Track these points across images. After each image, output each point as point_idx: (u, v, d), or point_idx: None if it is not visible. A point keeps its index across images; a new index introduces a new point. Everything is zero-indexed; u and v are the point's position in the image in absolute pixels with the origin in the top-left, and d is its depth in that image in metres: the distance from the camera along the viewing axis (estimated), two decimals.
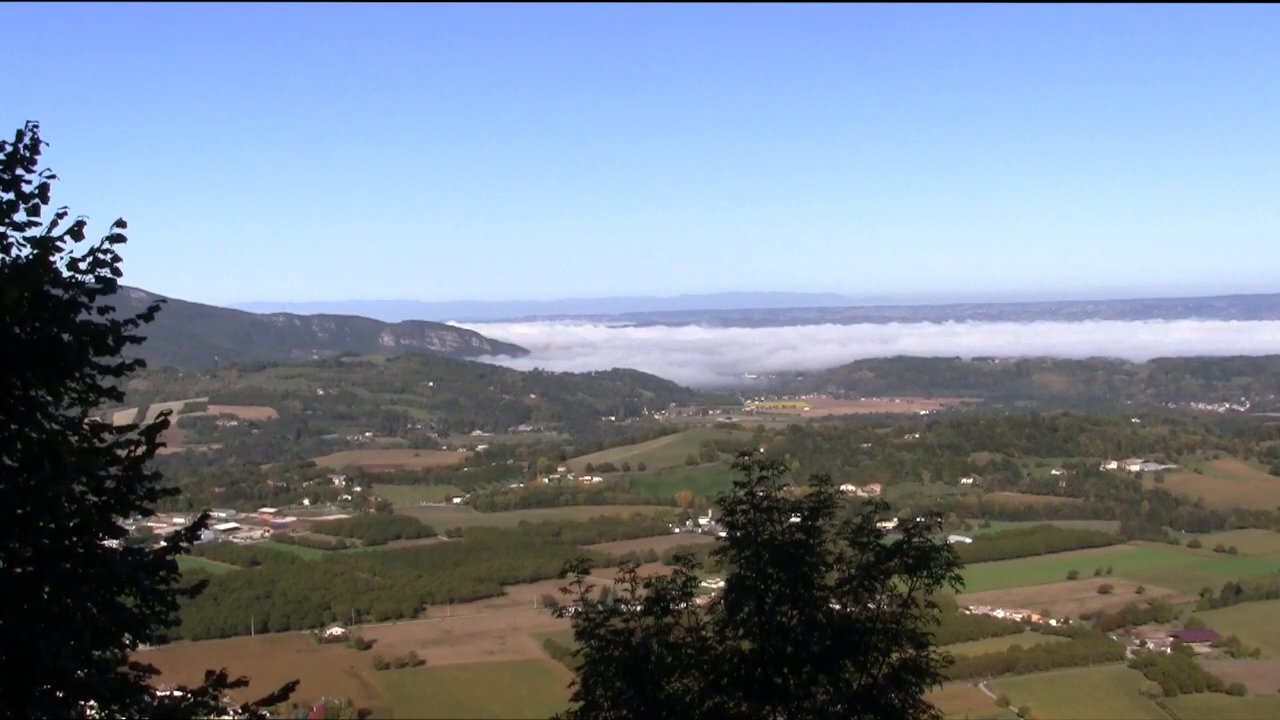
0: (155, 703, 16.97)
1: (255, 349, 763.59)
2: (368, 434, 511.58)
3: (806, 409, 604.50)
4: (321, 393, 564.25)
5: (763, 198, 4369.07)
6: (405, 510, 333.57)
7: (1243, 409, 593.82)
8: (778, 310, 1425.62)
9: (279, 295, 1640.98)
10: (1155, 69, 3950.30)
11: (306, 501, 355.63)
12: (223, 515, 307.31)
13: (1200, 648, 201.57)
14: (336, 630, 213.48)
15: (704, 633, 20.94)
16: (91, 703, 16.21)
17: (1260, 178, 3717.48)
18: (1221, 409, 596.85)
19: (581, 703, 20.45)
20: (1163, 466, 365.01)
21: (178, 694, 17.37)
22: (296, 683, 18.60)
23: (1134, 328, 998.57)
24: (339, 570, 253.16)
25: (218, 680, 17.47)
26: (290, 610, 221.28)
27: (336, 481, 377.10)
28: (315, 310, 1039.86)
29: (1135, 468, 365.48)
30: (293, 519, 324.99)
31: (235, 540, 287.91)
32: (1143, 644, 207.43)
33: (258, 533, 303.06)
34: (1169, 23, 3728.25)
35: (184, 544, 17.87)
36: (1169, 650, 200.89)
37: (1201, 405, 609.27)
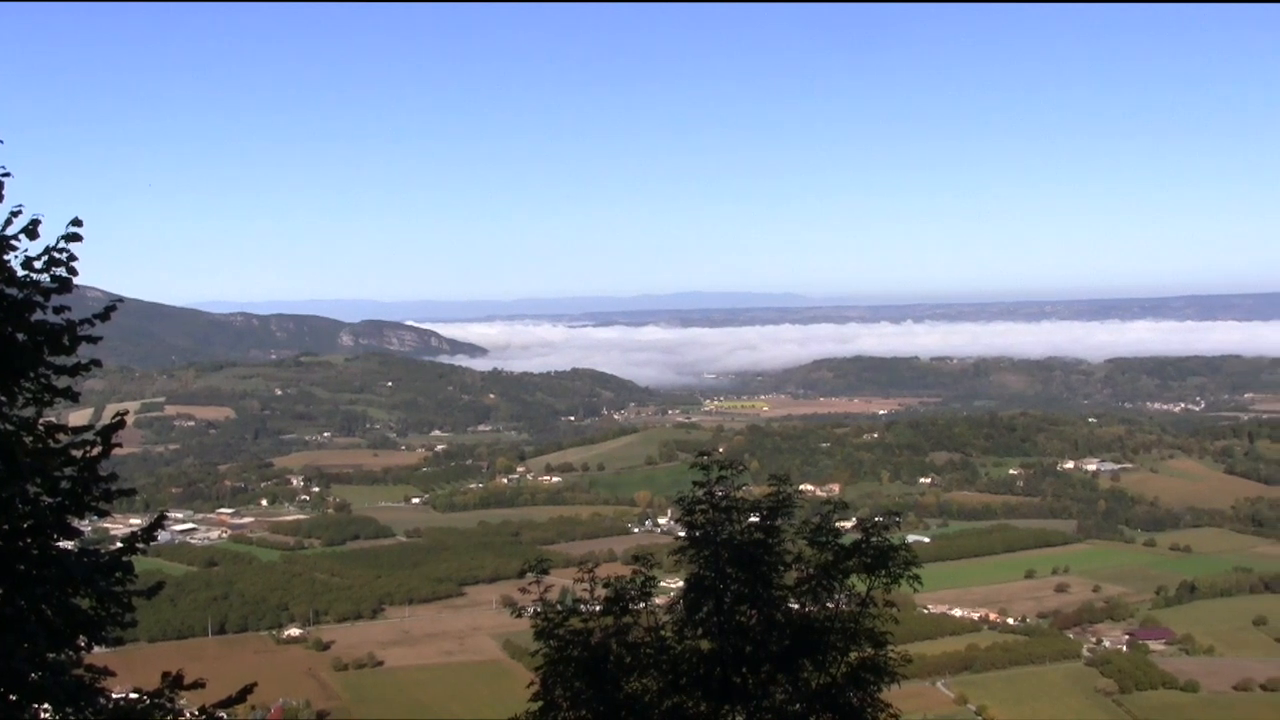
0: (111, 705, 16.88)
1: (213, 349, 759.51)
2: (326, 434, 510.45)
3: (765, 409, 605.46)
4: (280, 393, 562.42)
5: (722, 198, 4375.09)
6: (364, 510, 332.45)
7: (1198, 409, 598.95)
8: (737, 310, 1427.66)
9: (237, 295, 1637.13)
10: (1108, 71, 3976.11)
11: (264, 502, 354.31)
12: (180, 516, 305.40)
13: (1155, 645, 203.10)
14: (295, 631, 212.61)
15: (663, 632, 20.94)
16: (46, 706, 16.11)
17: (1215, 180, 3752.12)
18: (1177, 409, 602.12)
19: (540, 703, 20.44)
20: (1119, 466, 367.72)
21: (134, 696, 17.30)
22: (254, 684, 18.58)
23: (1091, 328, 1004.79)
24: (297, 571, 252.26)
25: (174, 682, 17.40)
26: (248, 611, 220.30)
27: (295, 482, 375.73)
28: (273, 310, 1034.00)
29: (1092, 467, 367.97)
30: (250, 519, 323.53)
31: (192, 541, 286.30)
32: (1099, 642, 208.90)
33: (215, 533, 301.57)
34: (1123, 24, 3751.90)
35: (140, 545, 17.78)
36: (1125, 648, 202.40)
37: (1157, 405, 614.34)
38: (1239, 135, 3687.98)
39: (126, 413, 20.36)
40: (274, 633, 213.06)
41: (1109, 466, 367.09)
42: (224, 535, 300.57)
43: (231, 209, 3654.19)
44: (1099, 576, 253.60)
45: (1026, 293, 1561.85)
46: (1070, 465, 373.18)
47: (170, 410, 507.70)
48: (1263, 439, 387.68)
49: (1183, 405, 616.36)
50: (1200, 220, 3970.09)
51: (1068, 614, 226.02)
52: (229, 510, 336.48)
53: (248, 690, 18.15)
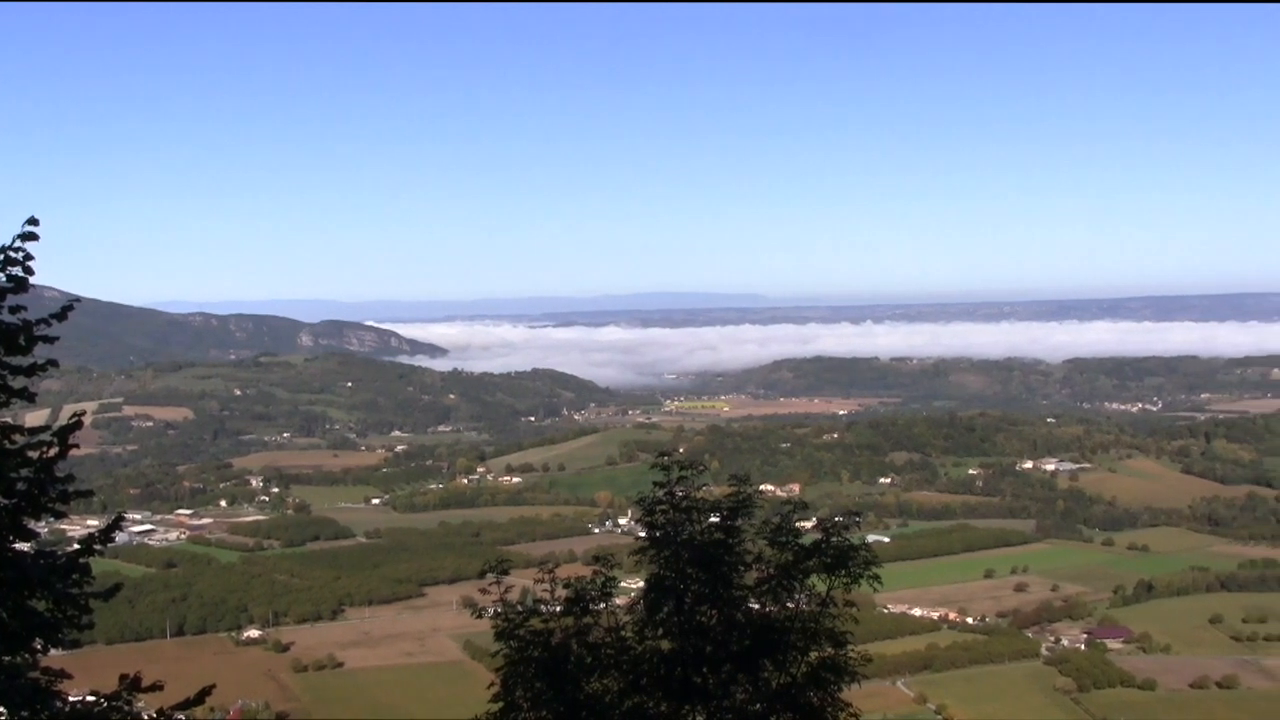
0: (67, 708, 16.77)
1: (171, 349, 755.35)
2: (286, 435, 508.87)
3: (726, 409, 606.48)
4: (239, 393, 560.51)
5: (682, 198, 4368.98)
6: (323, 511, 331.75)
7: (1155, 409, 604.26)
8: (697, 310, 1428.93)
9: (196, 295, 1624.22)
10: (1063, 74, 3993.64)
11: (223, 503, 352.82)
12: (138, 517, 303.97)
13: (1113, 644, 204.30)
14: (254, 632, 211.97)
15: (623, 633, 20.92)
16: (1, 709, 15.99)
17: (1171, 182, 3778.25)
18: (1134, 409, 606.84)
19: (501, 704, 20.39)
20: (1077, 466, 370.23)
21: (91, 699, 17.18)
22: (213, 686, 18.47)
23: (1050, 328, 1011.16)
24: (256, 572, 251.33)
25: (132, 684, 17.30)
26: (207, 613, 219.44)
27: (254, 482, 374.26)
28: (232, 310, 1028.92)
29: (1050, 467, 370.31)
30: (209, 520, 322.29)
31: (150, 542, 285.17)
32: (1057, 641, 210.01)
33: (174, 534, 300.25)
34: (1066, 26, 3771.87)
35: (98, 546, 17.68)
36: (1083, 647, 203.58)
37: (1115, 405, 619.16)
38: (1195, 138, 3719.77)
39: (84, 413, 20.21)
40: (233, 634, 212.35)
41: (1067, 466, 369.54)
42: (182, 536, 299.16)
43: (191, 208, 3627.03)
44: (1057, 576, 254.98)
45: (986, 293, 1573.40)
46: (1029, 465, 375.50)
47: (128, 411, 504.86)
48: (1219, 439, 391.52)
49: (1140, 405, 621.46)
50: (1158, 222, 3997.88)
51: (1026, 613, 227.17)
52: (187, 511, 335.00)
53: (206, 692, 18.05)
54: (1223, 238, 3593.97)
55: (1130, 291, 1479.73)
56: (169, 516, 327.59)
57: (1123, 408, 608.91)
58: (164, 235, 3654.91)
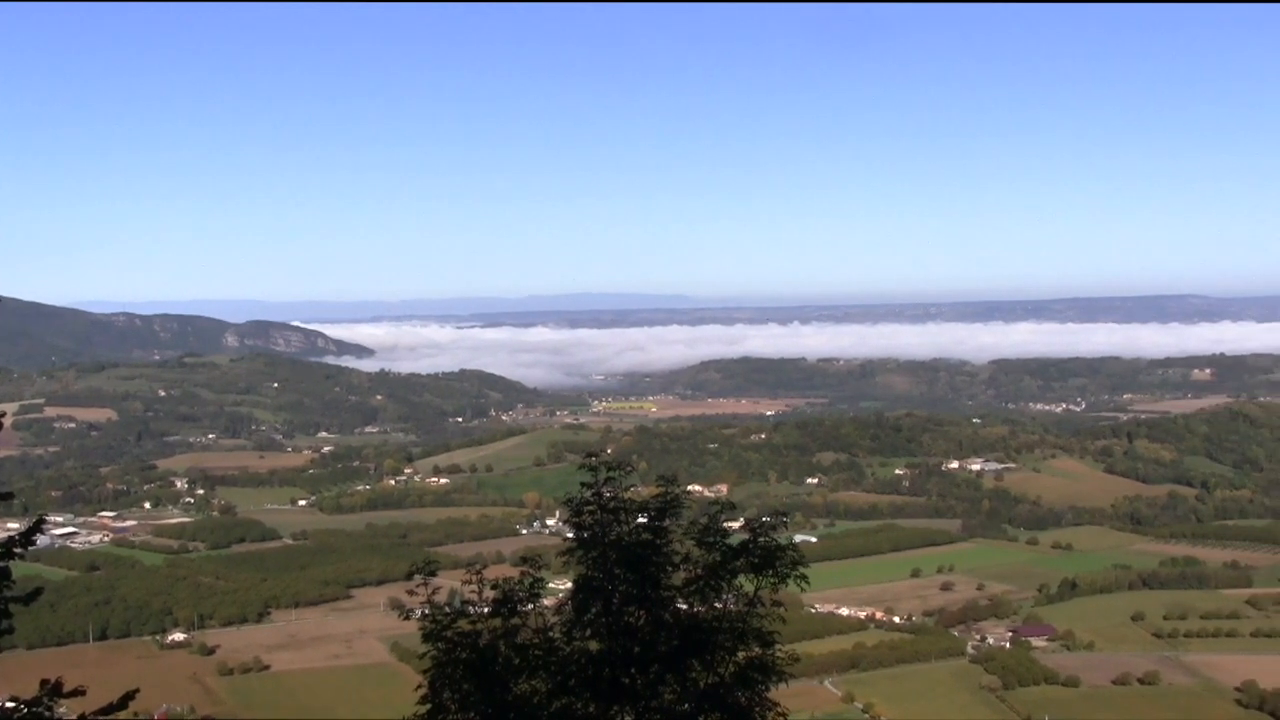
0: None
1: (95, 349, 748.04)
2: (211, 436, 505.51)
3: (654, 410, 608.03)
4: (163, 394, 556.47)
5: (610, 198, 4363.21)
6: (249, 513, 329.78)
7: (1078, 409, 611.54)
8: (625, 311, 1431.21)
9: (119, 294, 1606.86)
10: (985, 76, 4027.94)
11: (148, 505, 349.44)
12: (60, 520, 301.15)
13: (1038, 642, 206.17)
14: (179, 636, 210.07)
15: (552, 634, 20.90)
16: None
17: (1095, 185, 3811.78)
18: (1058, 409, 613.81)
19: (429, 705, 20.32)
20: (1002, 466, 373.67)
21: (11, 705, 16.96)
22: (136, 691, 18.27)
23: (975, 329, 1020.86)
24: (181, 575, 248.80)
25: (53, 689, 17.09)
26: (131, 616, 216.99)
27: (179, 484, 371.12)
28: (157, 310, 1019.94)
29: (976, 467, 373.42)
30: (133, 523, 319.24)
31: (73, 545, 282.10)
32: (983, 639, 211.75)
33: (96, 537, 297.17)
34: (987, 26, 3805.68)
35: (18, 550, 17.45)
36: (1008, 645, 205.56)
37: (1039, 405, 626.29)
38: (1120, 142, 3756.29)
39: (4, 414, 19.98)
40: (157, 638, 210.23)
41: (993, 466, 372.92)
42: (106, 539, 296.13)
43: (113, 206, 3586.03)
44: (983, 575, 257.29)
45: (912, 295, 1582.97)
46: (955, 465, 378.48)
47: (50, 412, 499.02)
48: (1141, 439, 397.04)
49: (1064, 406, 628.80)
50: (1082, 225, 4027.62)
51: (953, 612, 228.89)
52: (111, 513, 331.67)
53: (129, 697, 17.86)
54: (1145, 241, 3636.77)
55: (1054, 293, 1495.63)
56: (92, 519, 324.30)
57: (1047, 408, 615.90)
58: (87, 234, 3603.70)
